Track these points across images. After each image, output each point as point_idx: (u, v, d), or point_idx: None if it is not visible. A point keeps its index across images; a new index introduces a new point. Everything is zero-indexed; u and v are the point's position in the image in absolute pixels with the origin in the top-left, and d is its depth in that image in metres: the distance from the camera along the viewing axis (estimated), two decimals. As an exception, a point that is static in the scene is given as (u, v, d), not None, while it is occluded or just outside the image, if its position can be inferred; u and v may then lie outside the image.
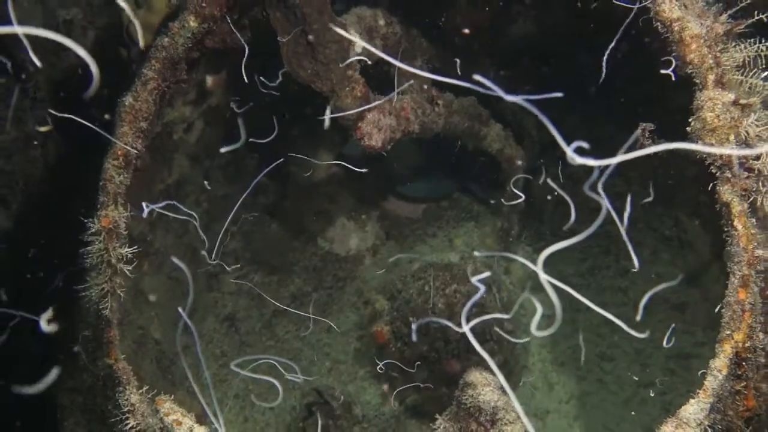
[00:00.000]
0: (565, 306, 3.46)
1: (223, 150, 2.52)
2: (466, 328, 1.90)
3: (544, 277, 1.94)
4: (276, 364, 2.69)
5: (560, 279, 3.44)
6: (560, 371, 3.29)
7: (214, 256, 2.44)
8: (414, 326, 2.91)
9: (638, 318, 2.13)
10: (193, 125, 2.75)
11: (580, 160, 1.52)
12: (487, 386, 1.97)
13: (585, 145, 1.61)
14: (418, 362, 3.08)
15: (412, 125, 2.36)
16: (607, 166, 1.69)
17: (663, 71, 1.71)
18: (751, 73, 1.69)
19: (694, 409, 1.51)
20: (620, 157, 1.55)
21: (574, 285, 3.50)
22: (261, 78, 2.17)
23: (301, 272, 3.64)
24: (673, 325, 2.39)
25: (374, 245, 3.72)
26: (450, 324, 2.70)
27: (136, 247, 1.76)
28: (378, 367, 2.99)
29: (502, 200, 3.33)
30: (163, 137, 2.53)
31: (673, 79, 1.68)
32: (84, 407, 2.30)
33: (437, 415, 2.11)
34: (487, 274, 3.02)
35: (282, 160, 2.55)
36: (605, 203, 1.85)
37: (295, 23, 2.08)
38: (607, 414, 3.10)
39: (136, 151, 1.75)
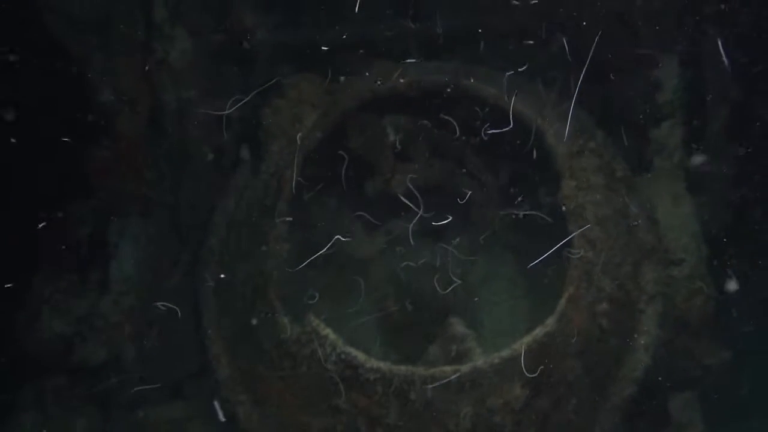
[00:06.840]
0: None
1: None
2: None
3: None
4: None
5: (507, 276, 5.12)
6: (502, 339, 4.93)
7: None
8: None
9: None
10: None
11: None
12: (458, 325, 3.67)
13: None
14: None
15: (420, 180, 4.09)
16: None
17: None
18: (588, 171, 3.50)
19: (551, 320, 3.27)
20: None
21: (510, 281, 5.14)
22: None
23: (331, 269, 5.22)
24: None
25: (383, 250, 5.35)
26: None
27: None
28: None
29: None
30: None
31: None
32: (226, 335, 3.96)
33: (428, 345, 3.80)
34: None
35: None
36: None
37: (357, 127, 3.80)
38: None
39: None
